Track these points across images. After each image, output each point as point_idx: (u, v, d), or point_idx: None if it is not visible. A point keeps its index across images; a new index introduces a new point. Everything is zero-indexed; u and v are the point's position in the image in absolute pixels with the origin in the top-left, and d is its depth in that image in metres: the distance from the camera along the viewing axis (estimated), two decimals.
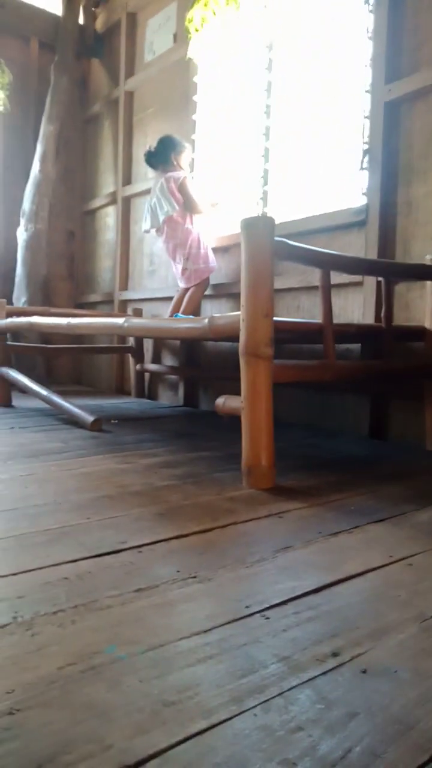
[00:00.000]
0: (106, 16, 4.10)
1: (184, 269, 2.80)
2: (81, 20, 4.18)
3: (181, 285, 2.89)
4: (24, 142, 4.13)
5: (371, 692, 0.62)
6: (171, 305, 3.00)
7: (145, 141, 3.71)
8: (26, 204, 3.81)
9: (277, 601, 0.83)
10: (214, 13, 2.89)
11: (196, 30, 3.01)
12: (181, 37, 3.26)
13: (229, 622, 0.77)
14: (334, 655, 0.69)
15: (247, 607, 0.81)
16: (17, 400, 3.16)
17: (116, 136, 4.00)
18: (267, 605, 0.82)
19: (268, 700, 0.60)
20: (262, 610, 0.80)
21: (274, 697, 0.61)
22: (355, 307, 2.33)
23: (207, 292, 3.03)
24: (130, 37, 3.86)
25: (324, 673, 0.65)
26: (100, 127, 4.28)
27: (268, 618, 0.78)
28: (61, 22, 4.08)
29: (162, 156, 2.83)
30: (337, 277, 2.19)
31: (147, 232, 2.97)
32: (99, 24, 4.21)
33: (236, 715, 0.57)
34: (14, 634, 0.73)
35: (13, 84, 3.92)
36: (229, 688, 0.62)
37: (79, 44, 4.14)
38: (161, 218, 2.77)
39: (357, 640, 0.73)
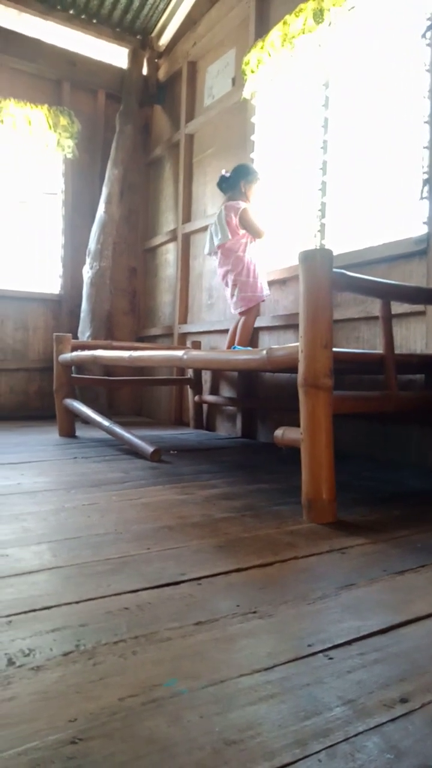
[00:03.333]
0: (168, 66, 4.32)
1: (231, 295, 2.86)
2: (144, 71, 4.43)
3: (232, 311, 2.95)
4: (91, 185, 4.37)
5: None
6: (228, 337, 3.03)
7: (205, 180, 3.84)
8: (92, 243, 4.01)
9: (341, 641, 0.80)
10: (270, 55, 2.99)
11: (252, 72, 3.12)
12: (239, 80, 3.39)
13: (291, 661, 0.75)
14: (403, 701, 0.66)
15: (309, 645, 0.79)
16: (80, 431, 3.26)
17: (177, 177, 4.16)
18: (330, 645, 0.79)
19: (333, 745, 0.58)
20: (326, 650, 0.78)
21: (340, 742, 0.58)
22: (418, 337, 2.27)
23: (265, 324, 3.05)
24: (191, 84, 4.04)
25: (393, 720, 0.62)
26: (161, 169, 4.46)
27: (331, 658, 0.76)
28: (126, 75, 4.34)
29: (233, 183, 2.90)
30: (398, 307, 2.15)
31: (208, 254, 3.06)
32: (161, 73, 4.44)
33: (300, 759, 0.55)
34: (77, 662, 0.74)
35: (81, 132, 4.19)
36: (292, 729, 0.60)
37: (142, 93, 4.38)
38: (216, 244, 2.85)
39: (427, 685, 0.70)
